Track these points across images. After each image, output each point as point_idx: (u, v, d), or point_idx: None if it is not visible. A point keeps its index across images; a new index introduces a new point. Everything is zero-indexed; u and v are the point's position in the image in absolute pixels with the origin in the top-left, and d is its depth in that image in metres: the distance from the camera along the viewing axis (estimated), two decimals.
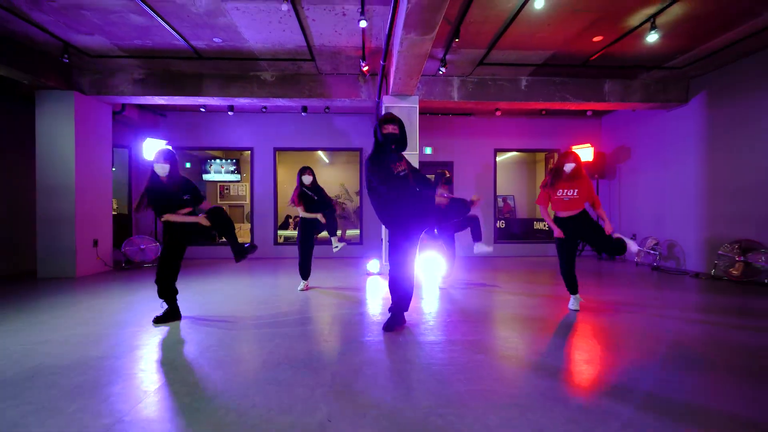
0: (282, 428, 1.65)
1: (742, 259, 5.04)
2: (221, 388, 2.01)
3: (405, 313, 3.16)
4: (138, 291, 4.57)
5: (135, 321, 3.29)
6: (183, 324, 3.20)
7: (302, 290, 4.53)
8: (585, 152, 7.57)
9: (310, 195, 4.46)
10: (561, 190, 3.56)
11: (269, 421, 1.70)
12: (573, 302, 3.67)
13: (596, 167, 7.68)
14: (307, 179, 4.50)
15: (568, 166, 3.56)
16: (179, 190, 3.24)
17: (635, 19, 4.31)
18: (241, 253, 3.28)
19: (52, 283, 5.06)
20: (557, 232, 3.56)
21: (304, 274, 4.58)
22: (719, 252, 5.36)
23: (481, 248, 4.76)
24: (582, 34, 4.68)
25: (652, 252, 6.49)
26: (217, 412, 1.78)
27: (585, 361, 2.40)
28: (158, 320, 3.19)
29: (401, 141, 2.99)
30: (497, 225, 8.62)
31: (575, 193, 3.52)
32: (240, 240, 9.60)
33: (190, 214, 3.25)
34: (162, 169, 3.24)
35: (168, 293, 3.26)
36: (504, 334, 2.99)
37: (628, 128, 7.57)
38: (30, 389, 2.02)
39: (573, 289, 3.66)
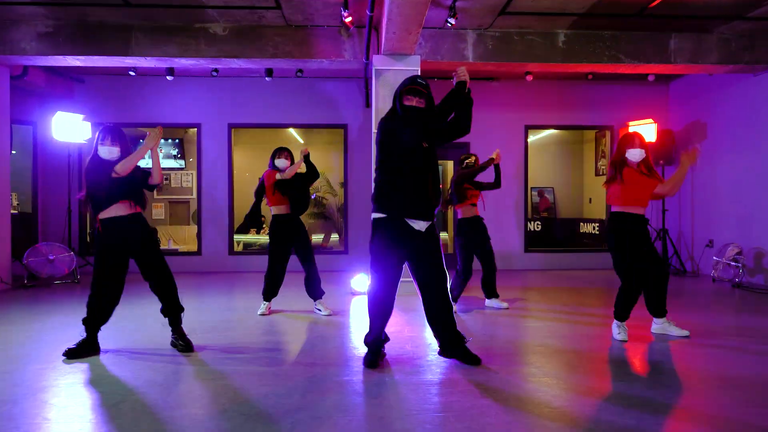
0: None
1: None
2: None
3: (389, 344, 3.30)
4: (46, 316, 4.67)
5: (41, 356, 3.39)
6: (104, 359, 3.30)
7: (263, 314, 4.65)
8: (645, 130, 7.67)
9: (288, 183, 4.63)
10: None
11: None
12: (619, 331, 3.73)
13: (662, 150, 7.80)
14: (282, 163, 4.63)
15: (635, 154, 3.69)
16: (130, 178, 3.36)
17: None
18: (180, 338, 3.50)
19: None
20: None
21: (269, 293, 4.71)
22: None
23: (494, 303, 4.98)
24: None
25: (733, 264, 6.62)
26: None
27: (624, 412, 2.51)
28: (71, 353, 3.27)
29: (424, 117, 3.04)
30: (529, 227, 8.75)
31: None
32: (184, 247, 9.71)
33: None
34: (109, 153, 3.33)
35: (97, 320, 3.34)
36: (521, 372, 3.10)
37: (704, 98, 7.70)
38: None
39: (623, 314, 3.74)
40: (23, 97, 7.44)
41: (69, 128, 6.83)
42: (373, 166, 3.16)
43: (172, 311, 3.47)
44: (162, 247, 9.72)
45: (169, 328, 3.51)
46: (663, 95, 8.50)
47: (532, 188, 11.26)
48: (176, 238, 10.97)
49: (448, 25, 5.49)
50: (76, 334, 3.58)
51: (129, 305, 5.09)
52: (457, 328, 3.11)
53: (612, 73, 7.22)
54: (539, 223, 9.96)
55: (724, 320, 4.68)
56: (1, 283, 6.25)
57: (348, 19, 5.22)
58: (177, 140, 10.23)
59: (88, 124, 7.19)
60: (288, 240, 4.67)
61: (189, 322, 4.35)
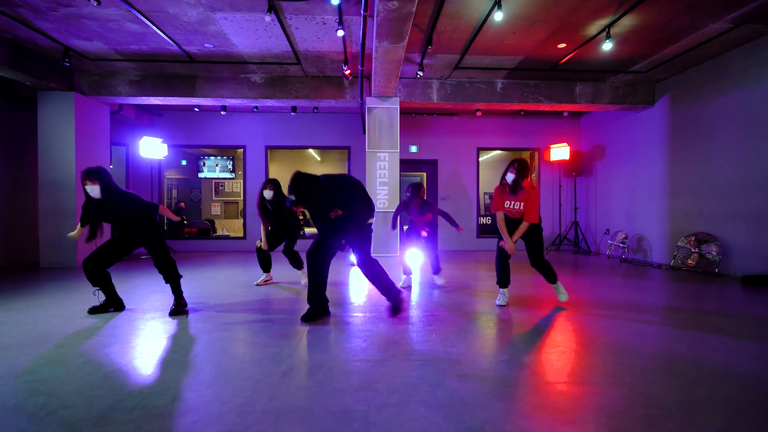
0: None
1: (697, 250, 5.44)
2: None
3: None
4: (132, 280, 4.93)
5: (130, 304, 3.66)
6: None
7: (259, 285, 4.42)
8: (562, 151, 7.96)
9: (266, 206, 4.24)
10: (508, 202, 3.34)
11: None
12: (501, 297, 3.53)
13: (574, 165, 8.07)
14: (267, 194, 4.17)
15: (509, 177, 3.28)
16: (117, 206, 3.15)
17: (592, 29, 4.70)
18: (176, 312, 3.20)
19: (55, 272, 5.43)
20: (507, 246, 3.32)
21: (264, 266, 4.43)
22: (678, 244, 5.77)
23: (440, 280, 4.48)
24: (547, 41, 5.07)
25: (621, 245, 6.89)
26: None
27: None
28: (94, 310, 3.22)
29: (298, 195, 2.83)
30: (480, 222, 9.01)
31: (521, 207, 3.31)
32: (234, 234, 9.96)
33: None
34: (91, 191, 3.03)
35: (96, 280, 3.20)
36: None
37: (603, 128, 7.96)
38: (43, 349, 2.41)
39: (503, 282, 3.50)
40: (119, 126, 7.69)
41: (151, 149, 7.07)
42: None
43: (168, 279, 3.26)
44: (217, 233, 10.02)
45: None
46: (575, 126, 8.76)
47: (485, 193, 11.53)
48: (229, 227, 11.23)
49: (418, 76, 5.76)
50: (151, 291, 3.84)
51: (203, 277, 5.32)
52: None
53: (536, 110, 7.49)
54: (489, 217, 10.21)
55: (612, 283, 4.90)
56: None
57: (347, 72, 5.47)
58: (230, 158, 10.47)
59: (165, 146, 7.44)
60: (278, 237, 4.38)
61: (244, 281, 4.59)
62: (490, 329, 2.84)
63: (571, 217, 8.48)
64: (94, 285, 3.21)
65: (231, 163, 10.34)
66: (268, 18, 4.06)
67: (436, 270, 4.51)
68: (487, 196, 11.76)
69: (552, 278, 3.51)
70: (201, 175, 10.36)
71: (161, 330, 2.80)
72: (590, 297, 3.87)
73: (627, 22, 4.50)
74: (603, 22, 4.51)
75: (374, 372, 2.07)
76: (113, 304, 3.30)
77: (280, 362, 2.20)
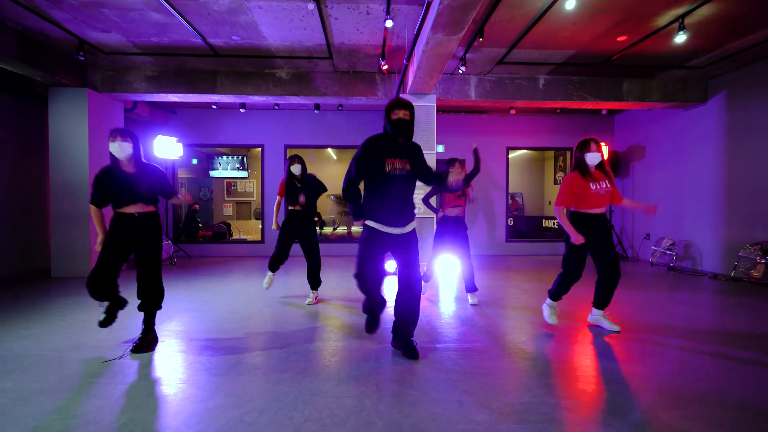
0: None
1: (763, 260, 5.03)
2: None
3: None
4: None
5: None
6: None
7: (267, 288, 4.11)
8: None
9: (295, 184, 3.96)
10: (593, 184, 2.98)
11: None
12: (551, 313, 3.21)
13: (610, 165, 7.66)
14: (296, 169, 3.94)
15: (592, 158, 2.98)
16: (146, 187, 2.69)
17: (663, 20, 4.25)
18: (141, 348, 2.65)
19: (70, 283, 5.03)
20: (575, 238, 2.94)
21: (272, 265, 4.02)
22: (740, 254, 5.35)
23: (473, 299, 4.05)
24: (607, 34, 4.62)
25: (668, 252, 6.48)
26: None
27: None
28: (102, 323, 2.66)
29: (410, 129, 2.51)
30: (507, 223, 8.61)
31: (608, 186, 3.02)
32: (251, 237, 9.57)
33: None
34: (120, 148, 2.59)
35: (99, 297, 2.60)
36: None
37: (642, 127, 7.53)
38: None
39: (557, 297, 3.20)
40: (132, 125, 7.26)
41: (166, 148, 6.66)
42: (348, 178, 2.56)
43: (147, 307, 2.74)
44: (233, 237, 9.61)
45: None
46: (610, 124, 8.32)
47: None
48: (242, 229, 10.83)
49: (459, 71, 5.32)
50: (169, 300, 3.44)
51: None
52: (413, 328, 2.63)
53: (576, 108, 7.04)
54: (512, 219, 9.83)
55: (661, 297, 4.54)
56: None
57: (385, 67, 5.03)
58: (241, 157, 10.04)
59: (180, 145, 7.02)
60: (292, 230, 4.01)
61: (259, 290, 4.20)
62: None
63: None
64: (102, 300, 2.60)
65: (240, 161, 9.92)
66: (311, 6, 3.62)
67: (471, 287, 3.99)
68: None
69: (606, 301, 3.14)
70: (213, 173, 9.96)
71: (218, 364, 2.40)
72: (663, 318, 3.47)
73: (704, 12, 4.06)
74: (677, 11, 4.06)
75: None
76: (117, 306, 2.69)
77: (368, 425, 1.79)
